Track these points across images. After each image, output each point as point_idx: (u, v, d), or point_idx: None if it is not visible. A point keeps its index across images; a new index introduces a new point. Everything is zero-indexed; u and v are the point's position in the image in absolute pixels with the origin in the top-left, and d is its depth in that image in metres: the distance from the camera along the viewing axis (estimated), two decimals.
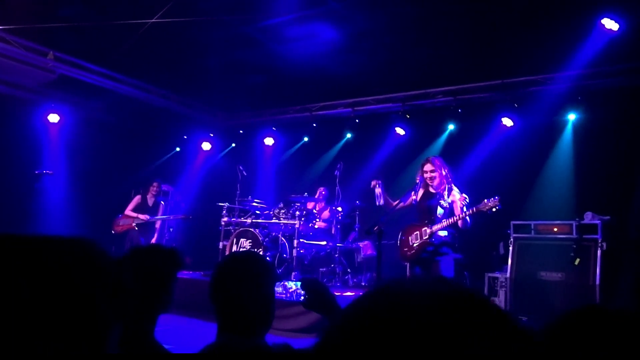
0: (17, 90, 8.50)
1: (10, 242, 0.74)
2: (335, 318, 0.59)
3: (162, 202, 8.61)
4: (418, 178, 5.20)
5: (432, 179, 5.11)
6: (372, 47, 7.37)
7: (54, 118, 8.82)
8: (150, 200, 8.46)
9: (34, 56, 7.84)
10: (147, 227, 8.29)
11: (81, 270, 0.74)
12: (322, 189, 8.59)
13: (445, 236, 5.03)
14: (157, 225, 8.46)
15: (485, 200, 4.77)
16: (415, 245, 5.10)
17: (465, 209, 4.83)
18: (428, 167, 5.13)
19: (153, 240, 8.33)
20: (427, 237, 5.01)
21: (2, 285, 0.68)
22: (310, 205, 8.39)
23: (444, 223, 4.93)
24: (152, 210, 8.42)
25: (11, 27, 7.22)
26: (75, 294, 0.72)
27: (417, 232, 5.10)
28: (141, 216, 8.24)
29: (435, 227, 4.97)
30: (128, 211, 8.32)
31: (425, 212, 5.14)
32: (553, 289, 5.96)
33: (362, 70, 8.00)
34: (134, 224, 8.18)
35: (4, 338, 0.66)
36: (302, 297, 1.86)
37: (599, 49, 6.42)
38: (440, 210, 5.04)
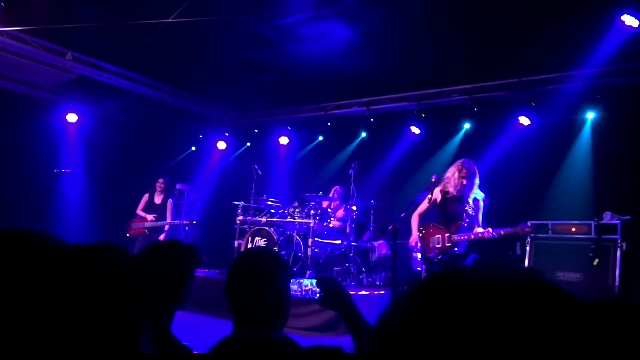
0: (36, 90, 8.63)
1: (10, 242, 0.74)
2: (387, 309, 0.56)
3: (170, 200, 8.41)
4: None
5: (463, 185, 5.01)
6: (387, 46, 7.33)
7: (72, 117, 8.92)
8: (158, 198, 8.30)
9: (52, 56, 7.95)
10: (156, 231, 8.16)
11: (90, 273, 0.74)
12: (336, 187, 8.57)
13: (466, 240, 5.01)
14: (166, 227, 8.25)
15: (522, 226, 4.68)
16: (434, 247, 5.06)
17: (491, 229, 4.78)
18: (464, 172, 5.01)
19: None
20: (449, 244, 4.96)
21: (2, 285, 0.68)
22: (325, 204, 8.38)
23: (472, 237, 4.87)
24: (160, 209, 8.26)
25: (30, 27, 7.33)
26: (75, 293, 0.72)
27: (439, 235, 5.04)
28: (148, 217, 8.17)
29: (459, 238, 4.92)
30: (139, 210, 8.28)
31: (449, 216, 5.06)
32: (571, 290, 5.85)
33: (377, 69, 7.96)
34: (145, 228, 8.10)
35: (4, 338, 0.66)
36: (318, 295, 1.86)
37: (618, 46, 6.31)
38: (465, 216, 4.99)
